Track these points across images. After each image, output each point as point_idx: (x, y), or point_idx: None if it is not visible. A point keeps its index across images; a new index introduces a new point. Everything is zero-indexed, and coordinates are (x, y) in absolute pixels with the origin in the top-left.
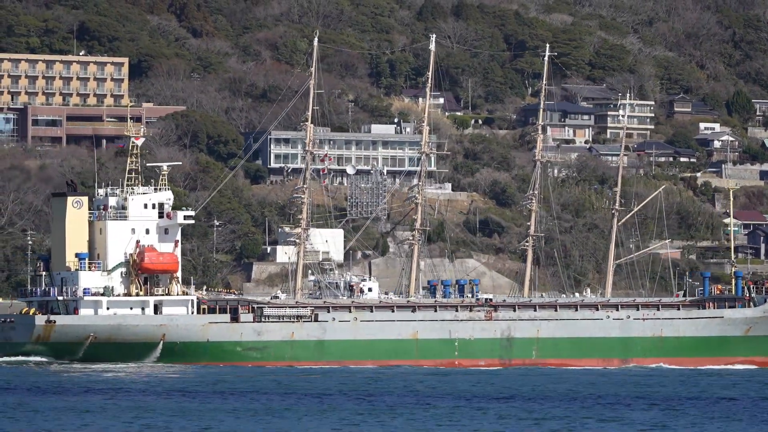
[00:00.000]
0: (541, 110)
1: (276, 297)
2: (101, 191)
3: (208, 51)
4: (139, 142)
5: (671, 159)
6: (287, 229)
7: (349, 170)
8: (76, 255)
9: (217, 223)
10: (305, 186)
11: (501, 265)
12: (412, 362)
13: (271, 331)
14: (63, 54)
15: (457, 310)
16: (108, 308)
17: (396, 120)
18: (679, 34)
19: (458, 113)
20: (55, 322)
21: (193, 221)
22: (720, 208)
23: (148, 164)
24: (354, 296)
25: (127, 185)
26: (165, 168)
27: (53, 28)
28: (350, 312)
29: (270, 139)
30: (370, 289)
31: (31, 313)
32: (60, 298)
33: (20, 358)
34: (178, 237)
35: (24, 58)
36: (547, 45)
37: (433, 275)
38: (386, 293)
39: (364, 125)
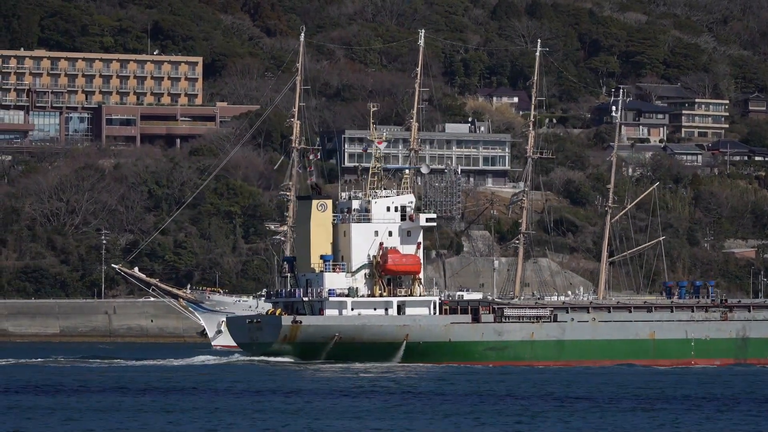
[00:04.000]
0: (533, 105)
1: (261, 296)
2: (344, 194)
3: (282, 50)
4: (382, 146)
5: (746, 158)
6: (272, 227)
7: (423, 169)
8: (321, 257)
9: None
10: (291, 183)
11: (575, 264)
12: (649, 362)
13: (512, 332)
14: (137, 53)
15: (693, 311)
16: (352, 309)
17: (470, 119)
18: (754, 33)
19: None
20: (301, 322)
21: (435, 224)
22: None
23: (388, 167)
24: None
25: (370, 189)
26: (407, 172)
27: (127, 27)
28: (588, 312)
29: (344, 138)
30: None
31: (277, 314)
32: (305, 299)
33: (271, 358)
34: (420, 239)
35: (98, 58)
36: (539, 41)
37: (507, 274)
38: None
39: (438, 124)
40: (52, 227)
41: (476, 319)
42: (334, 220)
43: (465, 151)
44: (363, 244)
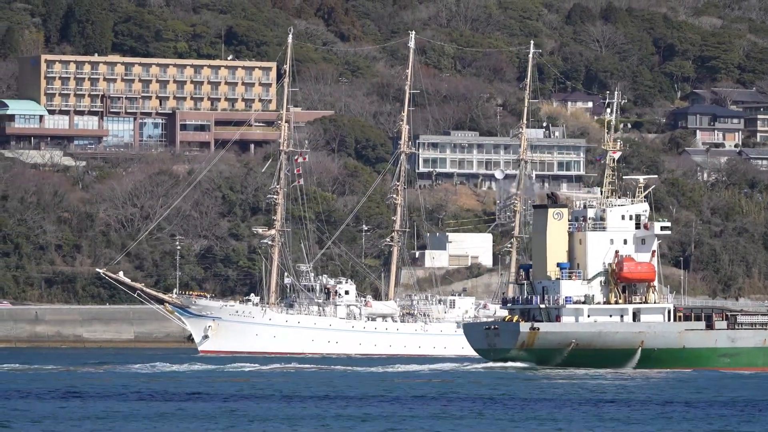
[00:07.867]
0: (526, 108)
1: (248, 300)
2: (579, 203)
3: (356, 55)
4: (616, 155)
5: None
6: (260, 231)
7: (498, 174)
8: (558, 265)
9: (366, 228)
10: (279, 186)
11: None
12: None
13: (745, 338)
14: (211, 59)
15: None
16: (589, 316)
17: (545, 124)
18: None
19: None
20: (538, 329)
21: (669, 232)
22: None
23: (624, 177)
24: (331, 299)
25: (606, 197)
26: (641, 181)
27: (201, 33)
28: None
29: (418, 143)
30: (346, 292)
31: (514, 321)
32: (542, 306)
33: (509, 364)
34: (655, 247)
35: (172, 63)
36: (531, 42)
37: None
38: (364, 296)
39: (513, 129)
40: (127, 233)
41: (710, 326)
42: (569, 228)
43: (539, 156)
44: (599, 252)
